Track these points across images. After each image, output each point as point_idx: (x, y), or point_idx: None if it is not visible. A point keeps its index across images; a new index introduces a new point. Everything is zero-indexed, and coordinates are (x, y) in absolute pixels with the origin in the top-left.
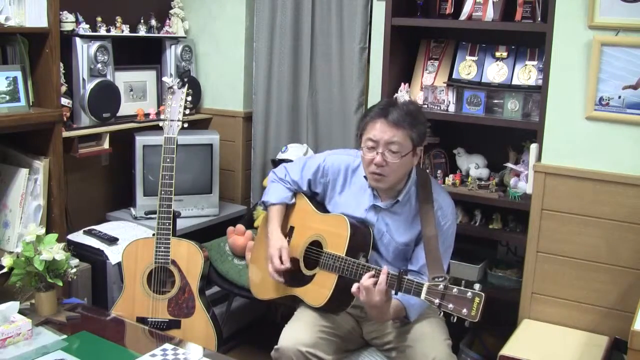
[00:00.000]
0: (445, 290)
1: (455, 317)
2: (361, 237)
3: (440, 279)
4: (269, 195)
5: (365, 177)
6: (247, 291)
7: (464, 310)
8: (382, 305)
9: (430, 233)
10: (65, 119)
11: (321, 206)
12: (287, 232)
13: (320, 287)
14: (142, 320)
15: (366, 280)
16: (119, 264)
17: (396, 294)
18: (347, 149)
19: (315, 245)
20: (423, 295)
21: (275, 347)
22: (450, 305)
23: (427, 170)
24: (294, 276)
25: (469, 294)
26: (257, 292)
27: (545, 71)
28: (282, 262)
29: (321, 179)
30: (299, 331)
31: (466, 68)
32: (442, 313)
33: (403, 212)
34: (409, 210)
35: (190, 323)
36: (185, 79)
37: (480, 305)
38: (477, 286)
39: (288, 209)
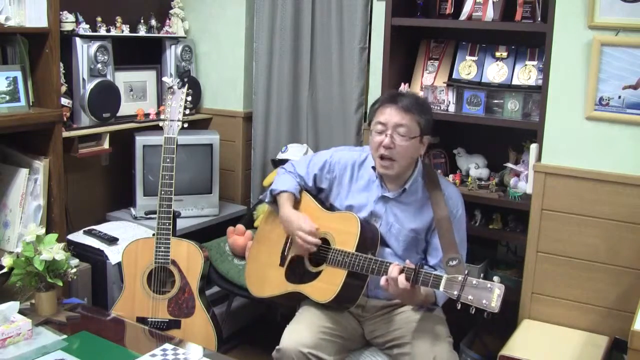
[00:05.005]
0: (465, 282)
1: (474, 309)
2: (370, 235)
3: (454, 261)
4: (279, 184)
5: (373, 167)
6: (247, 291)
7: (484, 301)
8: (411, 294)
9: (442, 215)
10: (65, 119)
11: (325, 205)
12: None
13: (328, 283)
14: (142, 320)
15: (393, 273)
16: (119, 264)
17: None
18: (352, 147)
19: (322, 243)
20: (442, 287)
21: (277, 347)
22: (470, 297)
23: None
24: (298, 273)
25: (489, 285)
26: (256, 290)
27: (545, 71)
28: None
29: (327, 175)
30: (301, 332)
31: (466, 68)
32: (460, 305)
33: (412, 202)
34: (417, 199)
35: (190, 323)
36: (185, 79)
37: (501, 296)
38: (496, 278)
39: (293, 205)
